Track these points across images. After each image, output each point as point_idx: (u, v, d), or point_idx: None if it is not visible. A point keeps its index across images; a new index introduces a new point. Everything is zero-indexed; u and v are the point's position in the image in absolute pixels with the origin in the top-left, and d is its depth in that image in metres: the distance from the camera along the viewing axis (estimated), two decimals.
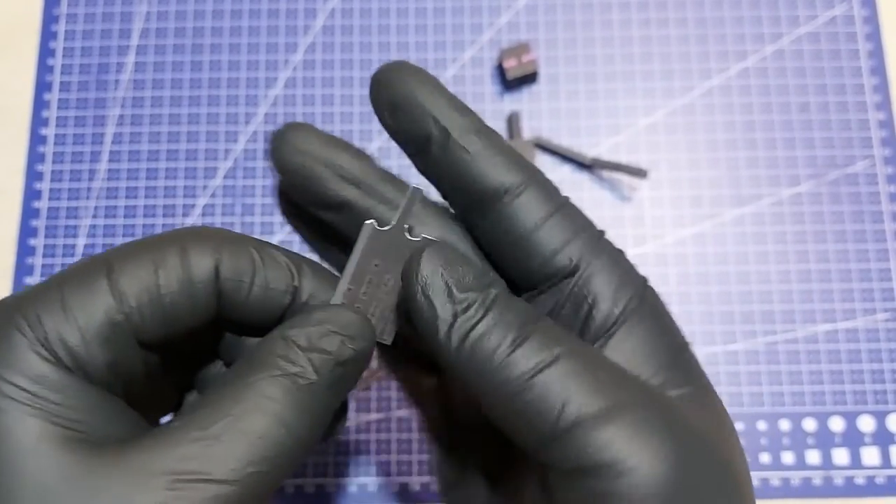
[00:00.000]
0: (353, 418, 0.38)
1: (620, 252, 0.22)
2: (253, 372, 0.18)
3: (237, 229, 0.40)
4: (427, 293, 0.19)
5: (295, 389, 0.18)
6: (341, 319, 0.20)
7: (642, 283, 0.21)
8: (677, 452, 0.17)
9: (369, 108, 0.41)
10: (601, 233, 0.22)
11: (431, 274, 0.19)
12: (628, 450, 0.17)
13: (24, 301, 0.18)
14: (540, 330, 0.19)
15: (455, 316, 0.19)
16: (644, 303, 0.20)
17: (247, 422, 0.18)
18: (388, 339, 0.21)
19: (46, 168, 0.41)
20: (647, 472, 0.17)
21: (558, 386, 0.18)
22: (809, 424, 0.38)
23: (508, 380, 0.18)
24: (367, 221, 0.20)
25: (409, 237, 0.21)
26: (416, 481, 0.37)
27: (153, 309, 0.19)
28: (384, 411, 0.38)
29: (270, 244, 0.21)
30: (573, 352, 0.18)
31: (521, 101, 0.42)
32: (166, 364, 0.20)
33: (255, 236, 0.40)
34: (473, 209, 0.21)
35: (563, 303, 0.20)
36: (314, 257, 0.23)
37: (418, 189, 0.20)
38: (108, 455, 0.17)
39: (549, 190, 0.22)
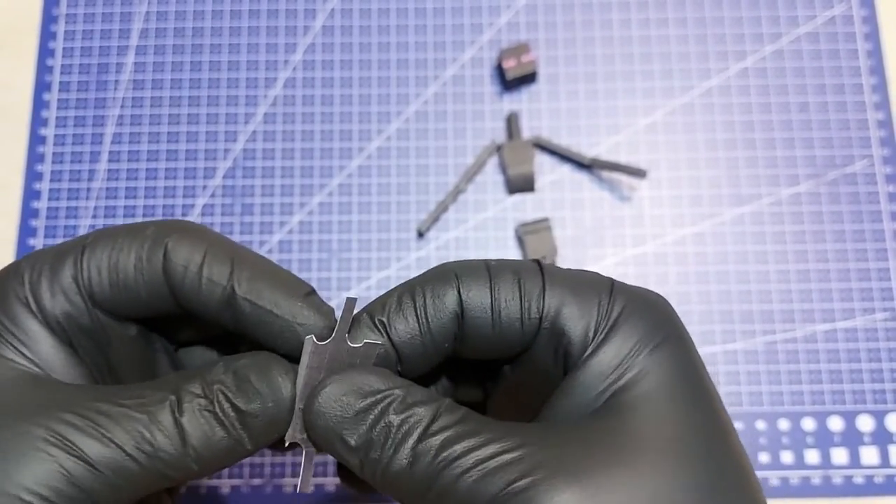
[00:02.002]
0: None
1: (565, 269, 0.22)
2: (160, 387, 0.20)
3: (236, 229, 0.40)
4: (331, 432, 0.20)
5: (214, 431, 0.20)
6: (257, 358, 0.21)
7: (607, 280, 0.21)
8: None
9: (368, 109, 0.42)
10: (535, 263, 0.22)
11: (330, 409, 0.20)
12: None
13: (24, 262, 0.22)
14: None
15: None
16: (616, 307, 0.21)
17: (140, 424, 0.19)
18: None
19: (46, 168, 0.41)
20: None
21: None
22: (808, 424, 0.38)
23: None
24: (307, 337, 0.20)
25: (351, 345, 0.21)
26: None
27: (111, 282, 0.21)
28: None
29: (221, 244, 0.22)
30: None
31: (520, 101, 0.42)
32: (140, 339, 0.23)
33: (255, 236, 0.40)
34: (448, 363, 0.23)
35: (543, 351, 0.21)
36: None
37: (353, 299, 0.20)
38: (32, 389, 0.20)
39: (473, 286, 0.22)
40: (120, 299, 0.21)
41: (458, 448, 0.18)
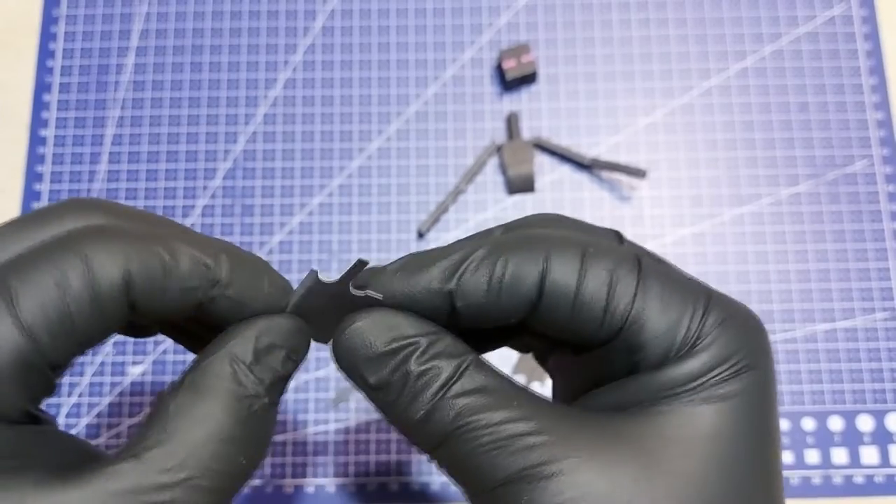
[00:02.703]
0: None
1: (666, 269, 0.20)
2: (202, 401, 0.18)
3: (237, 230, 0.40)
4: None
5: (247, 415, 0.18)
6: (282, 329, 0.20)
7: (705, 293, 0.20)
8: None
9: (368, 109, 0.42)
10: (636, 259, 0.20)
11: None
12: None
13: None
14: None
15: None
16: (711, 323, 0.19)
17: (199, 456, 0.17)
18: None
19: (46, 169, 0.41)
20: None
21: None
22: (808, 424, 0.38)
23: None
24: (313, 270, 0.20)
25: (354, 292, 0.20)
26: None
27: (64, 335, 0.17)
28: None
29: (184, 233, 0.20)
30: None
31: (520, 102, 0.42)
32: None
33: (255, 237, 0.40)
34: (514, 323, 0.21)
35: (614, 353, 0.20)
36: None
37: (363, 261, 0.20)
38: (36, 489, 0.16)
39: (569, 249, 0.20)
40: (72, 343, 0.18)
41: (477, 419, 0.18)
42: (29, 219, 0.19)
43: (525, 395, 0.19)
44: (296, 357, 0.20)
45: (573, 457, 0.17)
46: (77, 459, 0.17)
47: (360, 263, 0.20)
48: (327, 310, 0.21)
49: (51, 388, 0.18)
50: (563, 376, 0.23)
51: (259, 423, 0.19)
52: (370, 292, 0.20)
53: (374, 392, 0.20)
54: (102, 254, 0.18)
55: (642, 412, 0.19)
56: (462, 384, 0.19)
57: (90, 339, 0.18)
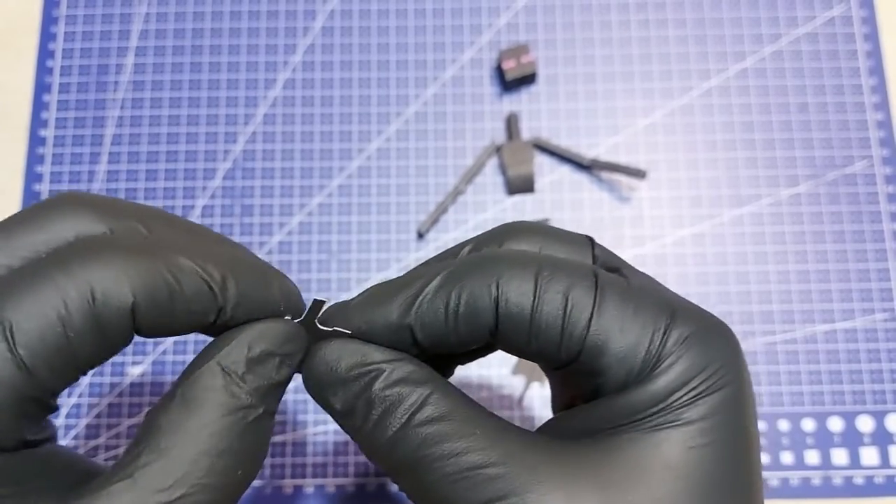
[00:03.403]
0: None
1: (628, 285, 0.20)
2: (193, 415, 0.18)
3: (236, 230, 0.40)
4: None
5: (242, 427, 0.18)
6: (276, 335, 0.19)
7: (669, 309, 0.19)
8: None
9: (367, 110, 0.42)
10: (593, 277, 0.19)
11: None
12: None
13: None
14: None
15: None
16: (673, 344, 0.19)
17: (194, 472, 0.17)
18: None
19: (46, 169, 0.41)
20: None
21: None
22: (808, 424, 0.38)
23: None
24: (285, 318, 0.20)
25: (321, 328, 0.20)
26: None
27: (65, 366, 0.17)
28: None
29: (187, 235, 0.20)
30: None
31: (519, 102, 0.42)
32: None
33: (255, 237, 0.40)
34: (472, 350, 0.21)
35: (575, 376, 0.20)
36: None
37: (319, 300, 0.20)
38: None
39: (524, 270, 0.19)
40: (72, 371, 0.17)
41: (441, 449, 0.18)
42: (14, 223, 0.18)
43: (491, 423, 0.19)
44: (291, 363, 0.20)
45: (536, 489, 0.17)
46: (74, 480, 0.17)
47: (317, 303, 0.20)
48: None
49: (51, 410, 0.18)
50: (551, 383, 0.23)
51: (254, 433, 0.18)
52: (337, 328, 0.20)
53: (340, 418, 0.20)
54: (106, 281, 0.17)
55: (607, 439, 0.18)
56: (426, 412, 0.18)
57: (91, 365, 0.18)
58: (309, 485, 0.37)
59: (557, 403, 0.22)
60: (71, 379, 0.17)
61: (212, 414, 0.18)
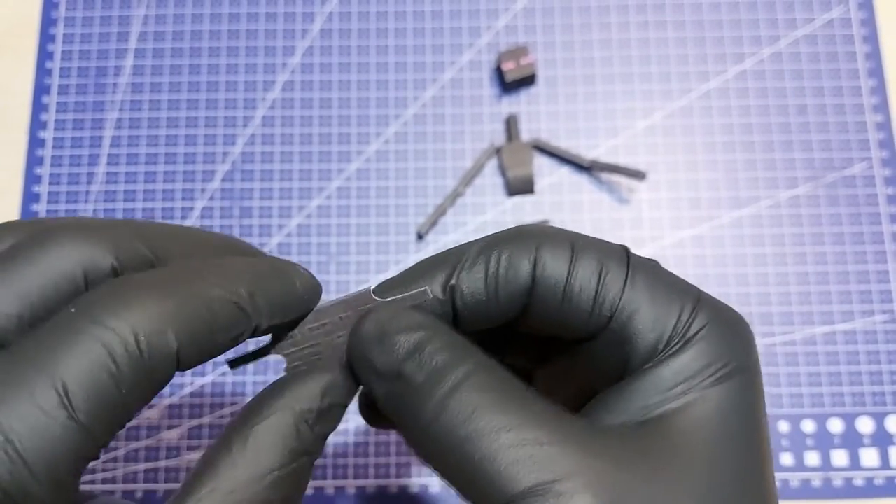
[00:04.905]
0: (353, 421, 0.38)
1: (655, 266, 0.20)
2: (263, 457, 0.18)
3: (235, 231, 0.40)
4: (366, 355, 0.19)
5: (302, 472, 0.18)
6: (343, 389, 0.20)
7: (694, 293, 0.19)
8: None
9: (366, 112, 0.42)
10: (624, 252, 0.20)
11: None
12: None
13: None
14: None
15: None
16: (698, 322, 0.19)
17: None
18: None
19: (45, 171, 0.41)
20: None
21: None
22: (808, 426, 0.38)
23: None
24: (369, 287, 0.20)
25: (375, 297, 0.20)
26: (416, 483, 0.37)
27: (117, 421, 0.16)
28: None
29: (209, 266, 0.19)
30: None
31: (519, 104, 0.42)
32: None
33: (254, 238, 0.40)
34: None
35: (604, 347, 0.20)
36: None
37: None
38: None
39: (557, 244, 0.20)
40: (122, 422, 0.17)
41: (492, 423, 0.17)
42: (13, 266, 0.17)
43: (541, 403, 0.18)
44: (343, 410, 0.20)
45: (586, 474, 0.17)
46: None
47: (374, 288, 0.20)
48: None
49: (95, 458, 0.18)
50: (552, 390, 0.23)
51: (306, 477, 0.19)
52: (394, 297, 0.20)
53: (383, 385, 0.19)
54: (148, 330, 0.16)
55: (642, 422, 0.18)
56: (478, 379, 0.18)
57: (138, 411, 0.17)
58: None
59: (561, 396, 0.22)
60: (120, 429, 0.17)
61: (282, 460, 0.18)
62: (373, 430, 0.38)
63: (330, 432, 0.19)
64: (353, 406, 0.36)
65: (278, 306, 0.19)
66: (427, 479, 0.37)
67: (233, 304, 0.18)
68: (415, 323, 0.19)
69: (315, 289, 0.21)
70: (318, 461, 0.37)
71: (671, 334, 0.19)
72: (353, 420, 0.38)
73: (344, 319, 0.21)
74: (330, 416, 0.19)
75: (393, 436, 0.37)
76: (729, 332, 0.19)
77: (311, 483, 0.37)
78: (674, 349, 0.19)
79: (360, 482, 0.37)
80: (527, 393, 0.18)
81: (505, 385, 0.18)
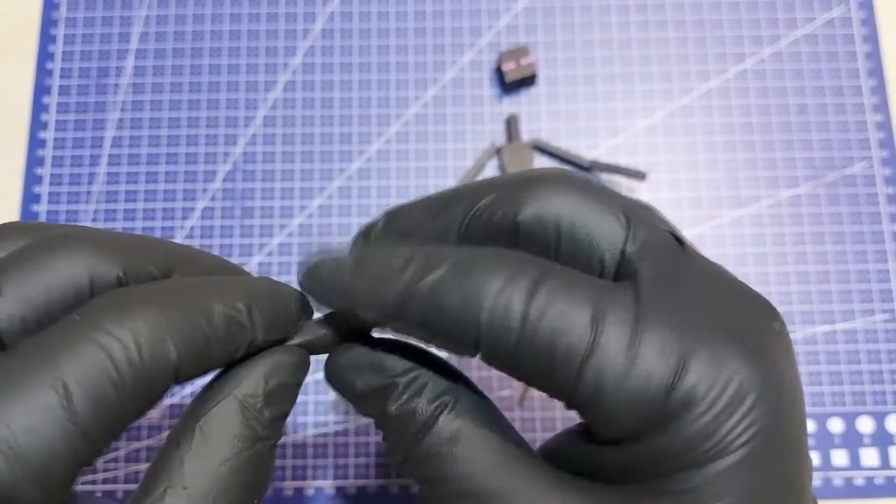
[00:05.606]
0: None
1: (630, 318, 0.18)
2: (215, 451, 0.17)
3: (236, 232, 0.40)
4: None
5: (260, 458, 0.18)
6: (290, 366, 0.19)
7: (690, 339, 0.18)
8: None
9: (367, 112, 0.42)
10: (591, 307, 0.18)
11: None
12: None
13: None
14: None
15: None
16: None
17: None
18: None
19: (45, 171, 0.41)
20: None
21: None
22: (808, 426, 0.38)
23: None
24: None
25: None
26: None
27: (115, 429, 0.17)
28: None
29: (208, 282, 0.19)
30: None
31: (519, 104, 0.42)
32: None
33: (255, 239, 0.40)
34: None
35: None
36: None
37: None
38: None
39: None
40: (119, 430, 0.17)
41: (445, 471, 0.18)
42: (21, 268, 0.17)
43: (505, 449, 0.18)
44: (298, 390, 0.20)
45: None
46: None
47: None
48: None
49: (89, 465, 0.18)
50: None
51: (268, 462, 0.19)
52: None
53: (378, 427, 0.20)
54: (149, 339, 0.16)
55: (657, 485, 0.17)
56: (437, 430, 0.18)
57: (134, 421, 0.17)
58: (310, 487, 0.37)
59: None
60: (114, 439, 0.17)
61: (233, 449, 0.18)
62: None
63: (284, 414, 0.19)
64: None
65: (272, 320, 0.19)
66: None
67: (231, 317, 0.18)
68: (376, 375, 0.19)
69: (307, 307, 0.21)
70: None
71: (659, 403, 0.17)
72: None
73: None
74: (279, 397, 0.19)
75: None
76: (737, 364, 0.18)
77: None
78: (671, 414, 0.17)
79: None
80: (489, 433, 0.18)
81: (464, 428, 0.18)
